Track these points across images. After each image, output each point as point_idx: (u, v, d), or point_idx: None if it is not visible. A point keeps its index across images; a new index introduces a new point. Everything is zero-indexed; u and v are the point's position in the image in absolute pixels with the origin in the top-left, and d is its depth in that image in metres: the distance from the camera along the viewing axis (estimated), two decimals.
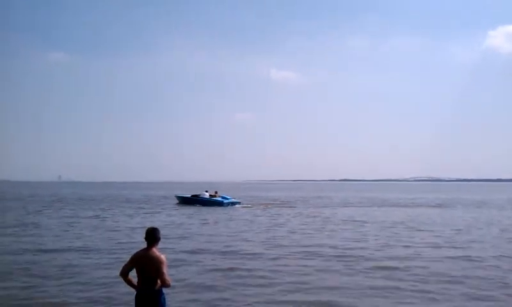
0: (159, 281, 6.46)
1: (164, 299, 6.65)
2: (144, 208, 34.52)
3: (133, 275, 6.47)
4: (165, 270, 6.43)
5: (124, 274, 6.65)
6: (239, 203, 38.48)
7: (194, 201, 38.21)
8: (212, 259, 12.63)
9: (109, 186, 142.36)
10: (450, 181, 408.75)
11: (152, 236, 6.61)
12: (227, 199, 37.87)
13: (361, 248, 15.48)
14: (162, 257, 6.52)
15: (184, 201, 39.40)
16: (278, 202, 44.98)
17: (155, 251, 6.58)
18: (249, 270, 11.35)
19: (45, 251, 13.56)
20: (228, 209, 33.57)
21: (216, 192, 38.72)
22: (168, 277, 6.43)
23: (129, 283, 6.69)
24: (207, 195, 37.99)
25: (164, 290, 6.61)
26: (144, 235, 6.67)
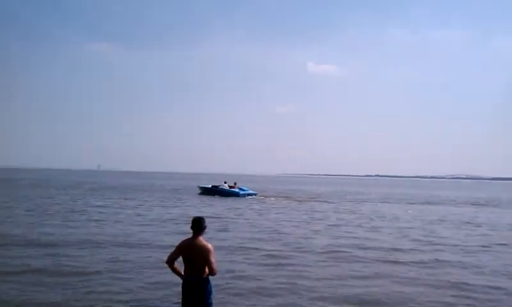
0: (206, 270, 6.55)
1: (211, 287, 6.76)
2: (173, 198, 35.81)
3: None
4: (212, 258, 6.53)
5: (170, 262, 6.80)
6: (255, 194, 39.78)
7: (214, 191, 39.83)
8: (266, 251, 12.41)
9: (145, 176, 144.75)
10: (490, 179, 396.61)
11: (198, 225, 6.70)
12: (244, 190, 39.10)
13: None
14: (209, 246, 6.61)
15: (205, 191, 41.02)
16: (304, 196, 44.64)
17: (202, 239, 6.68)
18: (294, 264, 11.11)
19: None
20: (247, 200, 34.79)
21: (235, 184, 40.23)
22: (215, 266, 6.52)
23: (175, 271, 6.85)
24: (226, 186, 39.50)
25: (211, 278, 6.69)
26: (190, 224, 6.76)
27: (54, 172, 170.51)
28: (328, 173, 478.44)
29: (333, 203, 35.41)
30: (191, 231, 6.58)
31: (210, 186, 41.86)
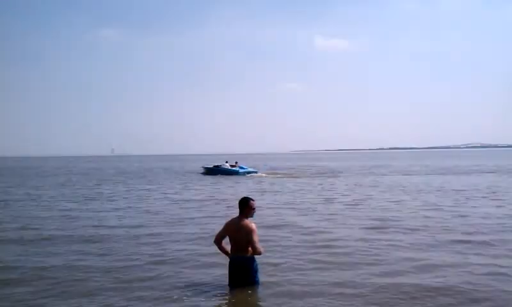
0: (250, 249, 6.69)
1: (257, 266, 6.92)
2: (176, 179, 36.88)
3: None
4: (255, 238, 6.67)
5: (218, 241, 6.99)
6: (255, 172, 41.39)
7: (215, 171, 41.49)
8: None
9: (160, 159, 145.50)
10: (505, 147, 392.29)
11: (245, 204, 6.83)
12: (243, 168, 41.00)
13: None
14: (253, 225, 6.75)
15: (208, 171, 42.69)
16: (314, 172, 44.63)
17: (247, 219, 6.79)
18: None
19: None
20: (247, 178, 36.47)
21: (236, 163, 42.44)
22: (258, 245, 6.67)
23: (222, 249, 7.03)
24: (227, 165, 41.45)
25: (257, 258, 6.83)
26: (237, 204, 6.90)
27: (68, 159, 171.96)
28: (341, 148, 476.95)
29: (346, 177, 35.26)
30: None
31: (212, 166, 43.45)
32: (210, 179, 35.50)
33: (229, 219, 7.07)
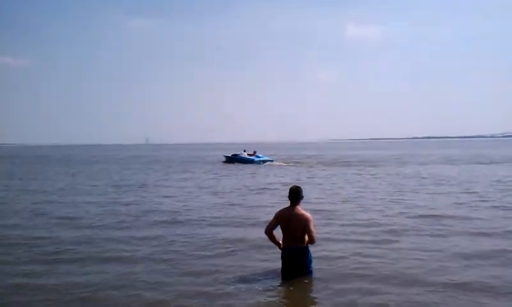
0: (306, 238, 6.55)
1: (311, 256, 6.79)
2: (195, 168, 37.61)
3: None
4: (312, 227, 6.54)
5: (269, 231, 6.84)
6: (271, 161, 42.44)
7: (234, 159, 43.71)
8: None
9: (191, 147, 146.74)
10: None
11: (296, 194, 6.72)
12: (259, 157, 42.19)
13: None
14: (308, 214, 6.62)
15: (228, 159, 44.93)
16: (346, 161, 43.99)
17: (300, 208, 6.68)
18: None
19: None
20: (263, 166, 37.93)
21: (255, 152, 43.90)
22: (314, 235, 6.53)
23: (274, 240, 6.88)
24: (244, 154, 43.26)
25: (311, 247, 6.70)
26: (288, 193, 6.75)
27: (106, 147, 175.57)
28: (374, 137, 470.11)
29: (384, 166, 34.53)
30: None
31: (230, 155, 45.47)
32: (229, 167, 36.81)
33: (279, 209, 6.95)
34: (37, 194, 18.64)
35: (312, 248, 6.80)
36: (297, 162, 42.76)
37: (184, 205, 14.92)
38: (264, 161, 41.55)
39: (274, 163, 41.31)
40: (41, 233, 10.49)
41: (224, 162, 44.91)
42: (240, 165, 38.64)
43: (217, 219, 12.26)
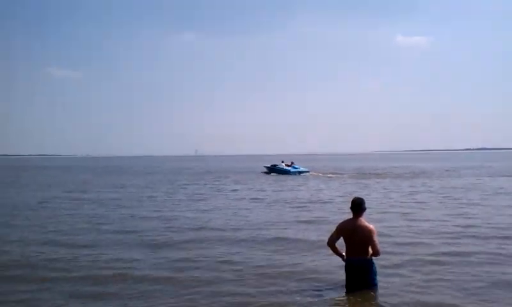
0: (370, 250, 6.57)
1: (376, 268, 6.78)
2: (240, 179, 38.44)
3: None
4: (376, 239, 6.55)
5: (332, 243, 6.88)
6: (307, 171, 43.74)
7: (272, 170, 45.53)
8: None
9: (238, 159, 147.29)
10: None
11: (359, 206, 6.74)
12: (296, 168, 43.60)
13: None
14: (372, 226, 6.64)
15: (268, 169, 46.58)
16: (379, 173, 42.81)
17: (363, 220, 6.71)
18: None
19: None
20: (300, 177, 39.00)
21: (292, 163, 45.20)
22: (379, 247, 6.54)
23: (337, 252, 6.92)
24: (282, 165, 44.68)
25: (375, 259, 6.71)
26: (350, 205, 6.81)
27: (159, 159, 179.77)
28: (425, 149, 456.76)
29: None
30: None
31: (269, 165, 47.10)
32: (271, 178, 38.44)
33: (341, 220, 7.01)
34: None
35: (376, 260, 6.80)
36: (335, 174, 42.87)
37: (239, 218, 15.04)
38: (300, 172, 42.91)
39: (310, 174, 42.57)
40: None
41: (265, 172, 46.32)
42: (280, 176, 40.08)
43: (276, 230, 12.43)
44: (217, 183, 32.94)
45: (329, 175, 40.85)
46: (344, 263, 6.84)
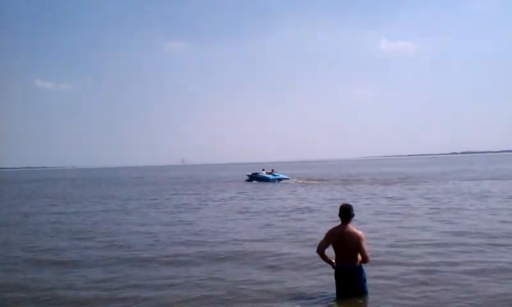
0: (359, 257, 6.57)
1: (365, 275, 6.78)
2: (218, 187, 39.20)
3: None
4: (365, 245, 6.56)
5: (321, 250, 6.86)
6: (287, 178, 45.00)
7: (253, 177, 46.82)
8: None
9: (225, 168, 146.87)
10: None
11: (347, 212, 6.73)
12: (276, 176, 44.90)
13: None
14: (361, 233, 6.64)
15: (250, 178, 47.73)
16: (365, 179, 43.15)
17: (352, 226, 6.71)
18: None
19: None
20: (279, 184, 40.55)
21: (273, 170, 46.67)
22: (367, 253, 6.53)
23: (326, 259, 6.90)
24: (263, 173, 46.23)
25: (364, 266, 6.70)
26: (338, 212, 6.80)
27: (146, 169, 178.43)
28: (412, 153, 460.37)
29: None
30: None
31: (251, 174, 48.58)
32: (251, 185, 39.39)
33: (330, 227, 6.99)
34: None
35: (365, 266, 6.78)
36: (315, 180, 43.73)
37: (224, 228, 15.01)
38: (280, 179, 44.29)
39: (290, 181, 43.48)
40: None
41: (247, 180, 47.36)
42: (260, 183, 41.67)
43: (264, 238, 12.38)
44: (203, 192, 32.71)
45: (312, 182, 41.59)
46: (333, 270, 6.82)
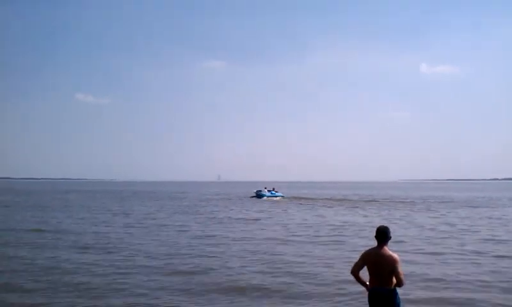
0: (394, 280, 6.43)
1: (399, 299, 6.59)
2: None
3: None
4: (400, 269, 6.38)
5: (355, 272, 6.71)
6: (282, 196, 51.64)
7: (256, 195, 52.31)
8: None
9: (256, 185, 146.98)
10: None
11: (384, 234, 6.58)
12: (272, 193, 51.58)
13: None
14: (396, 256, 6.47)
15: (255, 194, 52.96)
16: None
17: (387, 249, 6.56)
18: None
19: None
20: (266, 200, 46.87)
21: (273, 188, 53.61)
22: (403, 277, 6.38)
23: (361, 281, 6.75)
24: (265, 191, 52.31)
25: (398, 290, 6.56)
26: (374, 234, 6.70)
27: (184, 184, 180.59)
28: (451, 178, 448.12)
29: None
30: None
31: (255, 191, 54.31)
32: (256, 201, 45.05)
33: (366, 249, 6.89)
34: None
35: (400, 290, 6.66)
36: (307, 199, 49.31)
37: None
38: (273, 196, 50.83)
39: (281, 199, 49.14)
40: None
41: (252, 197, 52.54)
42: (256, 199, 48.79)
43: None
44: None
45: (303, 200, 47.21)
46: (367, 292, 6.70)
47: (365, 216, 26.23)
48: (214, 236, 17.65)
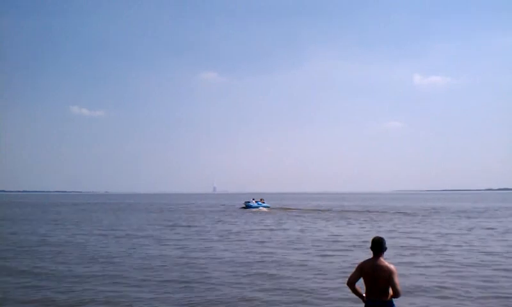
0: (390, 292, 6.32)
1: None
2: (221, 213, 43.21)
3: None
4: (397, 279, 6.26)
5: (351, 283, 6.59)
6: (268, 206, 54.21)
7: (245, 206, 55.48)
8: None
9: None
10: None
11: (380, 245, 6.47)
12: (259, 204, 54.09)
13: None
14: (393, 267, 6.35)
15: (244, 205, 56.17)
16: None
17: (383, 260, 6.45)
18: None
19: None
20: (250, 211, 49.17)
21: (261, 199, 56.38)
22: (399, 288, 6.26)
23: (357, 292, 6.62)
24: (253, 202, 55.27)
25: (395, 301, 6.44)
26: (370, 245, 6.59)
27: (178, 196, 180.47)
28: (445, 188, 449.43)
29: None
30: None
31: (244, 202, 57.45)
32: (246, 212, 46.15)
33: (362, 260, 6.78)
34: None
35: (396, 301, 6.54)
36: (292, 209, 52.95)
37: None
38: (257, 207, 53.27)
39: (265, 209, 51.49)
40: None
41: (243, 208, 55.38)
42: (243, 210, 51.74)
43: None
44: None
45: (288, 209, 51.19)
46: (363, 304, 6.58)
47: (345, 226, 26.60)
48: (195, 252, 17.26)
